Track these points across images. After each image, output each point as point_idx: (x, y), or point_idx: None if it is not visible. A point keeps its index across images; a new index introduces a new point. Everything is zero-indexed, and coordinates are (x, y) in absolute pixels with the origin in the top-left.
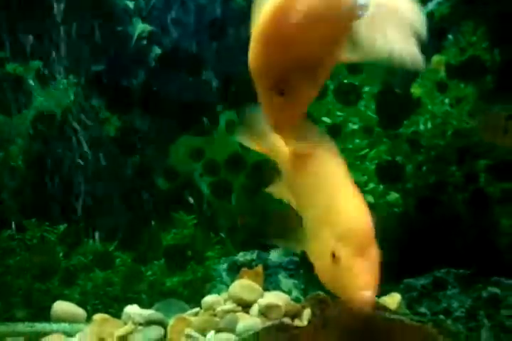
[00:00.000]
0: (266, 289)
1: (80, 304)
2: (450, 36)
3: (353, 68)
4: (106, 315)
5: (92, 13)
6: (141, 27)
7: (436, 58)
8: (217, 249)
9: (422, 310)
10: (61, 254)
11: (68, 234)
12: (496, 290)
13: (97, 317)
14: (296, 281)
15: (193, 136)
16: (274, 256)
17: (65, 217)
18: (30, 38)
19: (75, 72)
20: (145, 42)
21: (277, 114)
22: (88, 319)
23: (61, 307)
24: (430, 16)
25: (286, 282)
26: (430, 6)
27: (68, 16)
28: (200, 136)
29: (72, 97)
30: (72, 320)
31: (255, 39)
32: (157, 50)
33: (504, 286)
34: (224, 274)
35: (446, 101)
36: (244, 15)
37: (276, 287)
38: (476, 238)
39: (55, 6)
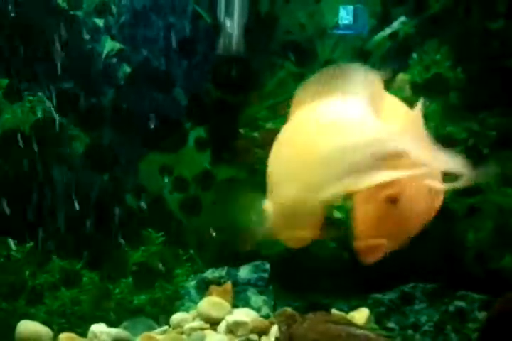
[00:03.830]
0: (235, 306)
1: (46, 323)
2: (414, 55)
3: None
4: (72, 334)
5: (61, 31)
6: (110, 45)
7: (401, 76)
8: (186, 266)
9: (391, 324)
10: (27, 273)
11: (35, 253)
12: (462, 304)
13: (63, 336)
14: (265, 298)
15: (162, 153)
16: (244, 272)
17: (31, 236)
18: None
19: (44, 90)
20: (114, 59)
21: None
22: (54, 338)
23: (26, 326)
24: (395, 35)
25: (255, 299)
26: (395, 25)
27: (37, 33)
28: (168, 153)
29: (39, 114)
30: (37, 340)
31: None
32: (126, 68)
33: (470, 300)
34: (193, 291)
35: None
36: (212, 34)
37: (246, 304)
38: (442, 252)
39: (24, 22)
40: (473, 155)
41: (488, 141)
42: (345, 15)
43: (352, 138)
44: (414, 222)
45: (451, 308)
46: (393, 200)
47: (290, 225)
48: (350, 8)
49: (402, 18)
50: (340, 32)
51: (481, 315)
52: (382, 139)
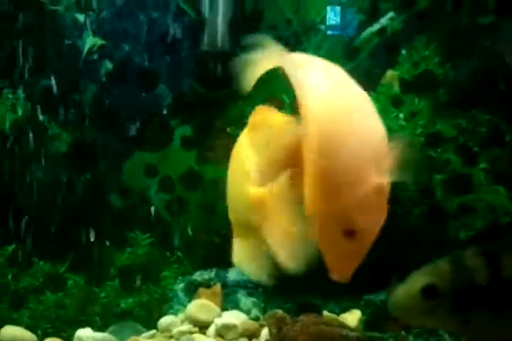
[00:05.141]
0: (225, 309)
1: (30, 328)
2: (403, 51)
3: None
4: (57, 339)
5: (41, 26)
6: (91, 40)
7: (389, 73)
8: (173, 269)
9: None
10: (10, 276)
11: (17, 256)
12: None
13: None
14: (255, 300)
15: (147, 152)
16: (233, 274)
17: (13, 238)
18: None
19: (23, 87)
20: (96, 56)
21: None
22: None
23: (10, 332)
24: (383, 31)
25: (245, 301)
26: (383, 21)
27: (16, 29)
28: (153, 152)
29: (20, 113)
30: None
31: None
32: (108, 64)
33: None
34: (181, 294)
35: (401, 115)
36: (196, 30)
37: (236, 306)
38: (433, 252)
39: (2, 18)
40: (464, 153)
41: (478, 138)
42: (332, 17)
43: None
44: None
45: None
46: None
47: None
48: (338, 8)
49: (391, 14)
50: (329, 33)
51: None
52: None
